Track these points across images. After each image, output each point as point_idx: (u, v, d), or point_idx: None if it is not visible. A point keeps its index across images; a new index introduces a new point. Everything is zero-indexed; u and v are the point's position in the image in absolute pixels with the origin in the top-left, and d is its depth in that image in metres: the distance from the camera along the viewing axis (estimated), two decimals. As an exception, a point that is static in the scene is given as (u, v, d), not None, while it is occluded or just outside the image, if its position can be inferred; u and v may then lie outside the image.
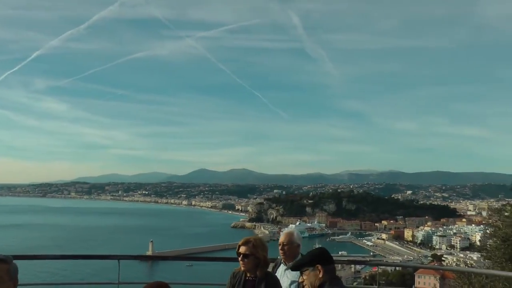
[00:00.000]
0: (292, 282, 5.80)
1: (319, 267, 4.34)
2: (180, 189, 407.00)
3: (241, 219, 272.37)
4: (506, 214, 11.46)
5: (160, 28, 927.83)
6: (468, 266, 17.52)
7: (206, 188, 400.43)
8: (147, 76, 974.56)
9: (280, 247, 6.07)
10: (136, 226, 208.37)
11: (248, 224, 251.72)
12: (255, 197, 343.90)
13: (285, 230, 6.36)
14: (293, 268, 4.80)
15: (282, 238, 6.10)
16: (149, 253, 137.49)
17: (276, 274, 5.93)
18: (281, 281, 5.69)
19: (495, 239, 10.96)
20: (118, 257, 7.98)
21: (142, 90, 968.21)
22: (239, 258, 5.54)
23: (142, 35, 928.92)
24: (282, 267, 6.08)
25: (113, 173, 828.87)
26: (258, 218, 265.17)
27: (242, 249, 5.49)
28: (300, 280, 4.57)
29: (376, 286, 16.07)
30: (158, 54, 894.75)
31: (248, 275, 5.53)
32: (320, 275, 4.33)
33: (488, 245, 11.76)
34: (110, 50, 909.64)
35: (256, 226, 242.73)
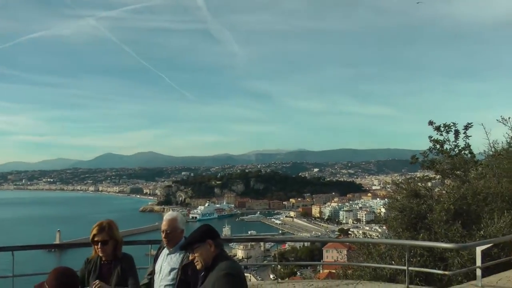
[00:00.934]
0: (172, 269, 5.71)
1: (210, 242, 4.54)
2: (87, 175, 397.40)
3: (149, 203, 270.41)
4: (403, 186, 11.99)
5: (61, 6, 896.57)
6: (368, 237, 19.64)
7: (113, 173, 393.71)
8: (50, 57, 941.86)
9: (163, 235, 5.83)
10: (42, 216, 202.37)
11: (156, 208, 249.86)
12: (163, 180, 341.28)
13: (167, 216, 5.94)
14: (185, 247, 4.83)
15: (165, 225, 5.83)
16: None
17: (159, 257, 5.92)
18: (161, 267, 5.80)
19: (393, 210, 11.43)
20: (12, 249, 7.71)
21: (44, 72, 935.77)
22: (97, 246, 5.43)
23: (43, 13, 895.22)
24: (165, 251, 5.91)
25: (16, 161, 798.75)
26: (167, 201, 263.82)
27: (100, 237, 5.39)
28: (191, 258, 4.66)
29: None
30: (60, 34, 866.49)
31: (104, 259, 5.47)
32: (212, 249, 4.53)
33: (387, 216, 12.48)
34: (7, 29, 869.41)
35: (165, 209, 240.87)
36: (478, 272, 6.93)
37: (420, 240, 9.62)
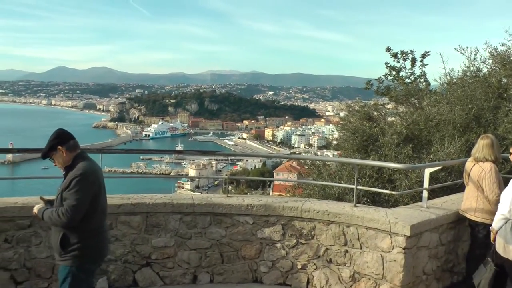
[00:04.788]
0: None
1: (60, 147, 4.82)
2: (39, 88, 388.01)
3: (102, 119, 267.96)
4: (356, 108, 12.30)
5: None
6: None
7: (66, 87, 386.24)
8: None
9: None
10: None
11: (110, 124, 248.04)
12: (116, 96, 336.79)
13: None
14: (42, 158, 4.98)
15: None
16: (9, 157, 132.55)
17: None
18: None
19: (345, 132, 11.63)
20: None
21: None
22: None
23: None
24: None
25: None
26: (120, 118, 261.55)
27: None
28: (54, 165, 4.95)
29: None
30: None
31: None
32: (65, 154, 4.83)
33: (339, 138, 12.85)
34: None
35: (118, 126, 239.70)
36: (425, 193, 7.03)
37: (370, 160, 9.71)
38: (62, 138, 4.89)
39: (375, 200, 9.45)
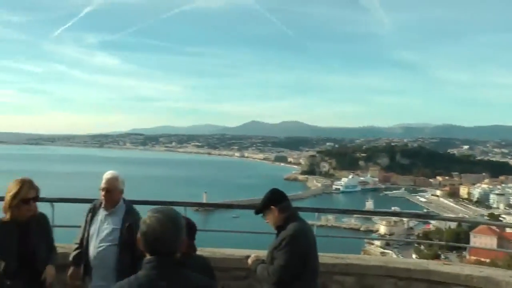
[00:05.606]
0: (113, 230, 5.71)
1: (273, 207, 5.01)
2: (232, 141, 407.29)
3: (293, 172, 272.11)
4: None
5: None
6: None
7: (258, 140, 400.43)
8: (196, 29, 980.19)
9: (103, 193, 5.75)
10: (190, 177, 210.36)
11: (300, 177, 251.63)
12: (307, 149, 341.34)
13: (107, 174, 5.87)
14: (255, 214, 5.25)
15: (106, 183, 5.76)
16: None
17: (96, 218, 5.87)
18: (99, 228, 5.77)
19: None
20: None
21: (191, 42, 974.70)
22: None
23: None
24: (101, 212, 5.87)
25: (167, 125, 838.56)
26: (311, 170, 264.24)
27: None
28: (266, 221, 5.18)
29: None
30: (206, 6, 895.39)
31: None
32: (276, 214, 5.00)
33: None
34: (158, 3, 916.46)
35: (309, 179, 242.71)
36: None
37: None
38: (275, 198, 5.10)
39: None
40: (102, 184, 5.73)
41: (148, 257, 3.04)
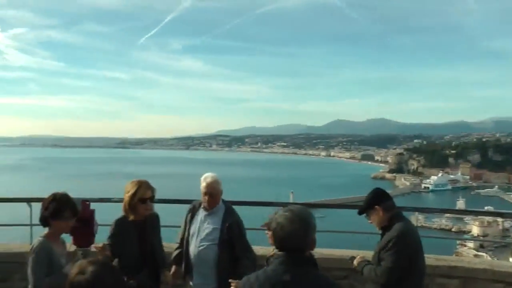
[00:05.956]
0: (214, 229, 5.86)
1: (377, 207, 4.98)
2: (318, 140, 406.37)
3: (380, 170, 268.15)
4: None
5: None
6: None
7: (344, 139, 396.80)
8: (278, 29, 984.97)
9: (206, 196, 5.90)
10: (277, 177, 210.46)
11: (388, 175, 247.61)
12: (394, 147, 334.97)
13: (210, 178, 5.98)
14: (358, 214, 5.21)
15: (209, 187, 5.89)
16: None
17: (196, 218, 6.03)
18: (199, 228, 5.92)
19: None
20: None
21: (273, 43, 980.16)
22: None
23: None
24: (201, 212, 6.03)
25: (252, 125, 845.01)
26: (399, 169, 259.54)
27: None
28: (370, 222, 5.15)
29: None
30: (286, 5, 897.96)
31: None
32: (381, 214, 4.97)
33: None
34: (239, 6, 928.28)
35: (396, 177, 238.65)
36: None
37: None
38: (379, 198, 5.08)
39: None
40: (204, 188, 5.90)
41: (278, 253, 3.20)
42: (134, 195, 5.40)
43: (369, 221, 5.16)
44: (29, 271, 4.46)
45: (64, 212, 4.67)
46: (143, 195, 5.42)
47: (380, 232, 5.16)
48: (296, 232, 3.09)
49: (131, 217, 5.47)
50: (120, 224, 5.58)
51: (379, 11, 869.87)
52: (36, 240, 4.69)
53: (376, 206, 5.01)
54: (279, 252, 3.18)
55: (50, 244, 4.62)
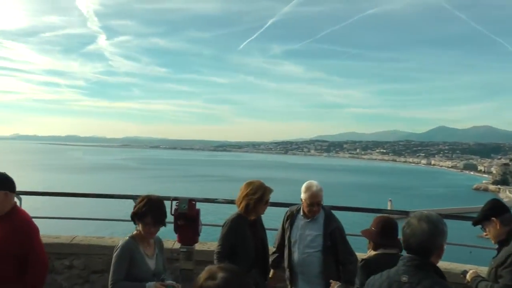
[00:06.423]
0: (316, 236, 5.84)
1: (494, 220, 4.61)
2: (419, 148, 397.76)
3: (483, 181, 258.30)
4: None
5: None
6: None
7: (446, 147, 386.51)
8: (379, 33, 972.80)
9: (313, 207, 5.81)
10: (375, 184, 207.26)
11: (491, 187, 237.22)
12: (499, 157, 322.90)
13: (315, 187, 5.84)
14: (473, 225, 4.93)
15: (314, 198, 5.78)
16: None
17: (296, 225, 5.96)
18: (300, 235, 5.88)
19: None
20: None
21: (374, 47, 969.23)
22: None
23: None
24: (302, 219, 5.95)
25: (351, 131, 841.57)
26: (503, 180, 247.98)
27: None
28: (484, 235, 4.81)
29: None
30: (389, 9, 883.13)
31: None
32: (498, 227, 4.60)
33: None
34: (340, 10, 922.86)
35: (501, 190, 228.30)
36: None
37: None
38: (497, 209, 4.66)
39: None
40: (309, 199, 5.80)
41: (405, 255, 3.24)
42: (261, 197, 5.69)
43: (484, 234, 4.75)
44: (111, 268, 4.53)
45: (145, 217, 4.57)
46: (267, 197, 5.77)
47: (496, 246, 4.72)
48: (421, 231, 3.12)
49: (252, 217, 5.76)
50: (238, 223, 5.74)
51: (487, 11, 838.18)
52: (122, 239, 4.70)
53: (493, 218, 4.60)
54: (406, 255, 3.21)
55: (136, 244, 4.61)
